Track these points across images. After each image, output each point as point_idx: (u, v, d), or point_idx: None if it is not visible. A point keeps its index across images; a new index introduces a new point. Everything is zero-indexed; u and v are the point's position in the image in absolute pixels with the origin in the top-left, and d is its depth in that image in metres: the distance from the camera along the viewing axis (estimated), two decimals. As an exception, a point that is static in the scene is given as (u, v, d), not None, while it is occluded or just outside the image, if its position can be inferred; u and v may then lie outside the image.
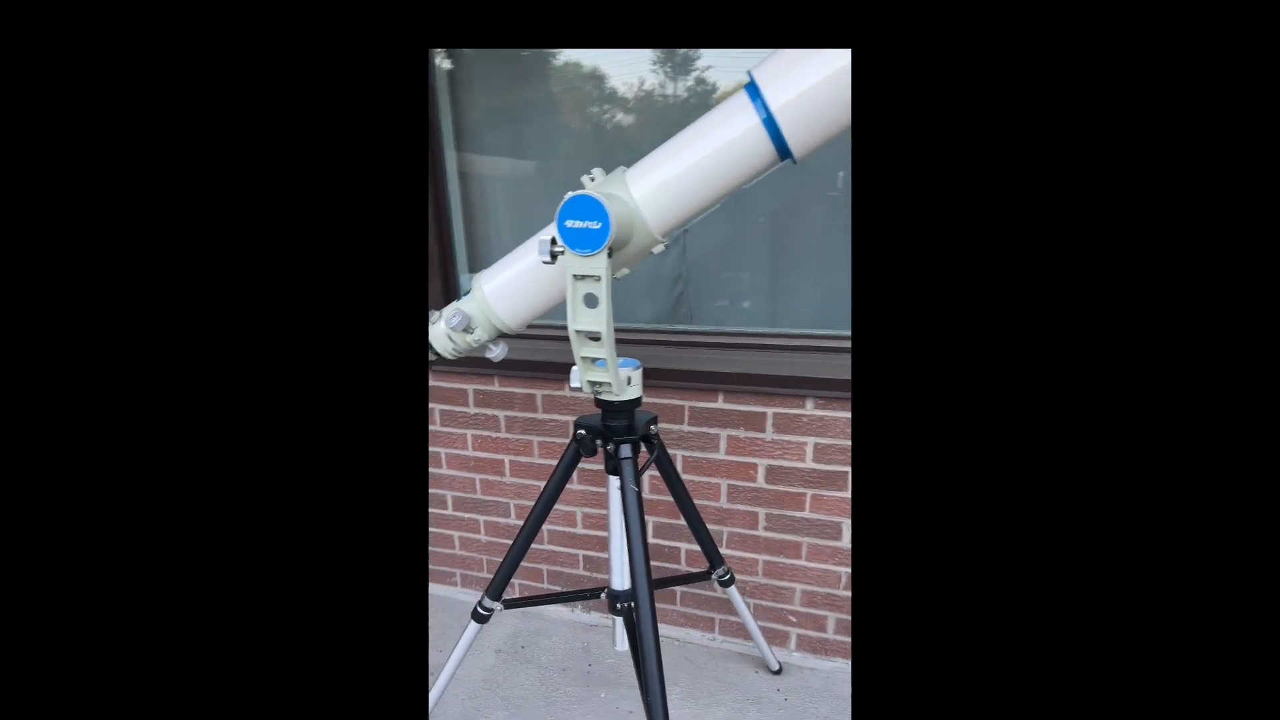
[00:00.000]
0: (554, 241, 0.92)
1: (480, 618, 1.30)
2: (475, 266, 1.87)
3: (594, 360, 1.02)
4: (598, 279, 0.93)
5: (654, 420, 1.18)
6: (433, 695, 1.38)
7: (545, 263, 0.94)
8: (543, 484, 1.81)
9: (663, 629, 1.78)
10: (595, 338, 0.97)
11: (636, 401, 1.11)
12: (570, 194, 0.90)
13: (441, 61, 1.73)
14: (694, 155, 0.95)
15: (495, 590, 1.28)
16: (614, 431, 1.11)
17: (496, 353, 1.16)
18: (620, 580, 1.24)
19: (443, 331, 1.12)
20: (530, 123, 1.75)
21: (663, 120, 1.65)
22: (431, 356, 1.17)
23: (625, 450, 1.10)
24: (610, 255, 0.92)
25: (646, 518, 1.72)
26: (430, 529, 1.96)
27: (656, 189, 0.97)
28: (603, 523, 1.77)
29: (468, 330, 1.11)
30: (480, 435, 1.81)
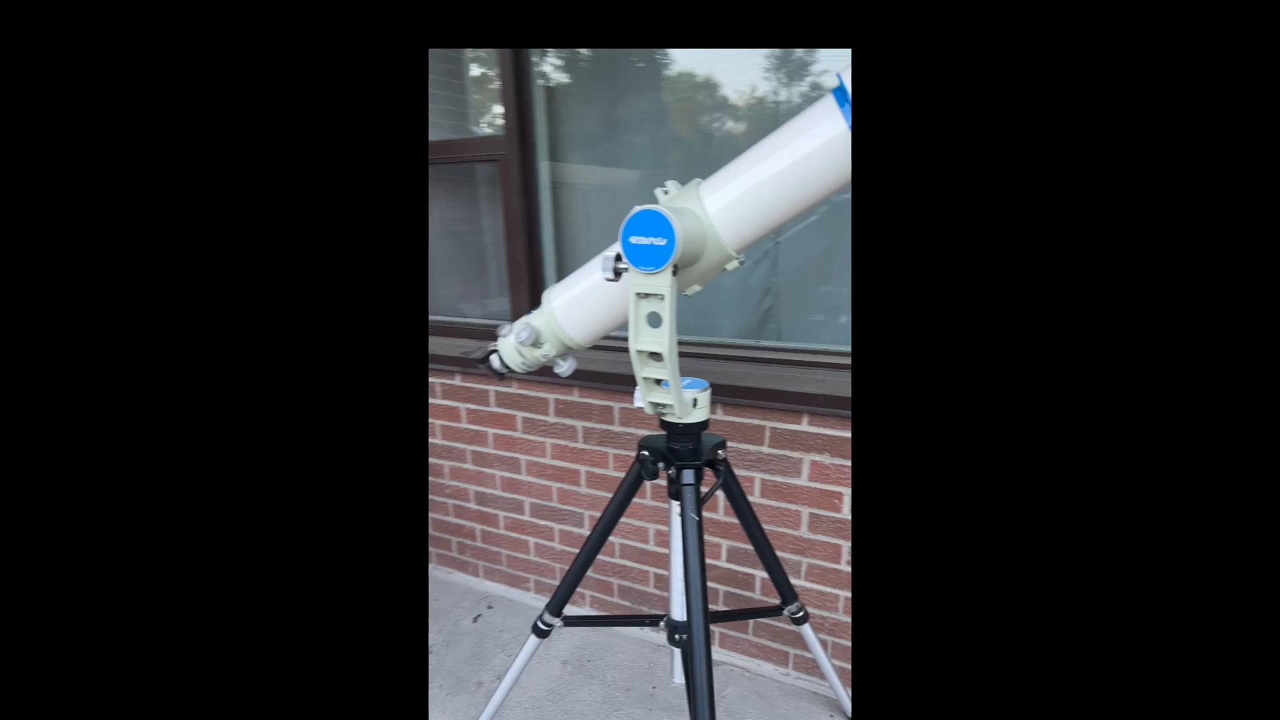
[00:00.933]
0: (618, 258, 0.89)
1: (540, 633, 1.29)
2: (563, 278, 1.88)
3: (657, 381, 0.97)
4: (661, 297, 0.88)
5: (722, 444, 1.12)
6: (493, 703, 1.39)
7: (608, 280, 0.91)
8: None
9: (733, 659, 1.71)
10: (658, 358, 0.93)
11: (703, 424, 1.06)
12: (637, 208, 0.87)
13: (545, 69, 1.75)
14: (773, 166, 0.89)
15: (555, 606, 1.27)
16: (677, 455, 1.06)
17: (564, 368, 1.14)
18: (680, 610, 1.18)
19: (512, 346, 1.12)
20: (637, 132, 1.72)
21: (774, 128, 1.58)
22: (502, 370, 1.17)
23: (687, 476, 1.05)
24: (675, 273, 0.88)
25: (721, 541, 1.66)
26: (507, 533, 1.99)
27: (731, 203, 0.92)
28: (676, 542, 1.72)
29: (536, 345, 1.10)
30: (559, 444, 1.82)
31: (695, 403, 1.03)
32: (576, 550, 1.89)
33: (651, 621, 1.31)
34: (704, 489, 1.08)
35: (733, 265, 0.96)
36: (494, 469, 1.95)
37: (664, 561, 1.76)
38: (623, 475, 1.73)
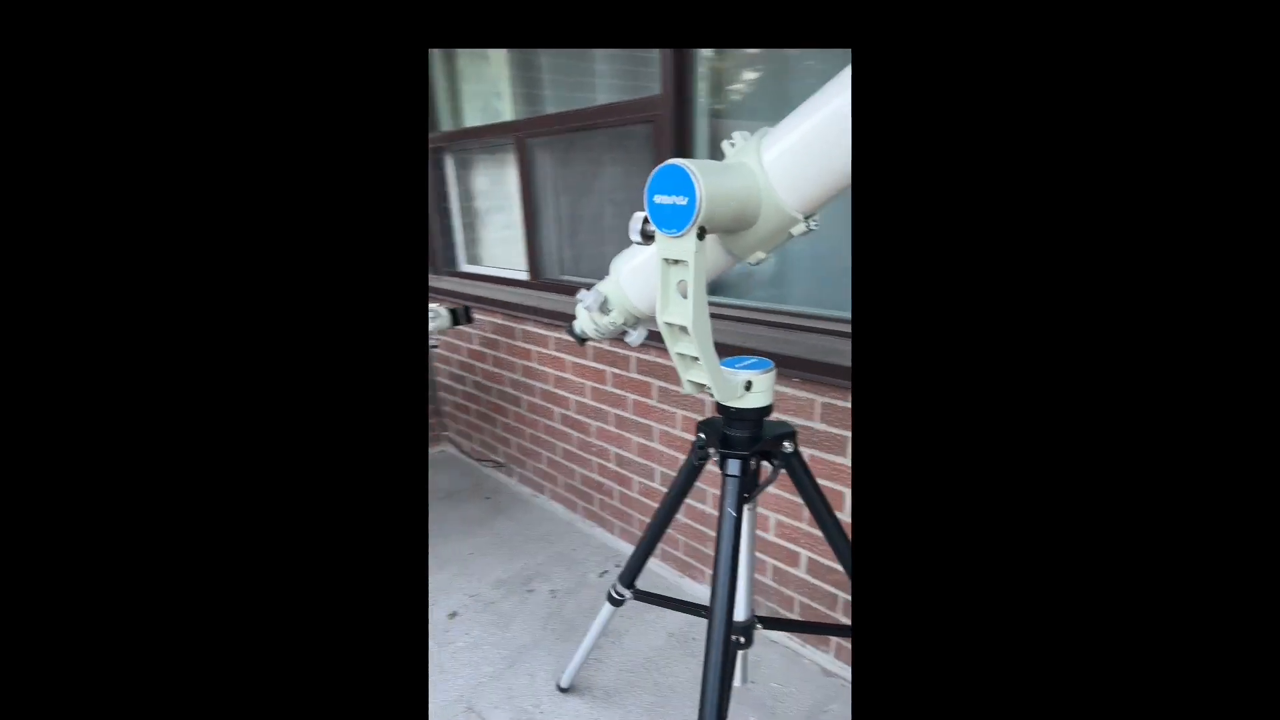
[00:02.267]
0: (645, 220, 0.81)
1: (615, 601, 1.28)
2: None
3: (694, 358, 0.88)
4: (687, 264, 0.78)
5: (789, 435, 0.98)
6: (574, 661, 1.43)
7: (636, 244, 0.83)
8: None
9: (833, 666, 1.55)
10: (687, 332, 0.83)
11: (764, 411, 0.94)
12: (666, 163, 0.78)
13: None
14: (832, 111, 0.73)
15: (627, 578, 1.25)
16: (729, 443, 0.95)
17: (634, 336, 1.09)
18: (743, 609, 1.08)
19: (585, 310, 1.09)
20: (805, 86, 1.57)
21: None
22: (581, 335, 1.15)
23: (732, 467, 0.93)
24: (702, 236, 0.77)
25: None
26: (639, 497, 2.01)
27: (787, 153, 0.78)
28: (795, 534, 1.58)
29: (604, 311, 1.06)
30: (688, 416, 1.77)
31: (749, 386, 0.91)
32: (695, 525, 1.85)
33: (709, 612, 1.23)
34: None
35: (799, 229, 0.82)
36: (631, 433, 1.97)
37: (782, 553, 1.63)
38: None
